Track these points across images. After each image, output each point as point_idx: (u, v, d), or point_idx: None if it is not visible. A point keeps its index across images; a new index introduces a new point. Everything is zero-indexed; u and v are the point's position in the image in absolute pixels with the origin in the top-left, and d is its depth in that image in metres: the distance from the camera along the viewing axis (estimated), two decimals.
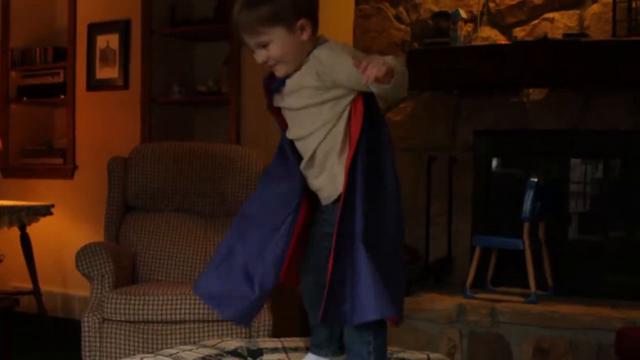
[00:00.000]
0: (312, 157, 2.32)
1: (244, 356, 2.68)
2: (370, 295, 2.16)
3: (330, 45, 2.28)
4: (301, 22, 2.24)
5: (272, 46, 2.26)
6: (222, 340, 2.81)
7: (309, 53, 2.27)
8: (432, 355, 2.69)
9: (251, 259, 2.34)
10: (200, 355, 2.60)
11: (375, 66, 2.08)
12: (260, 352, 2.71)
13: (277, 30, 2.24)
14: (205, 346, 2.74)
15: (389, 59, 2.11)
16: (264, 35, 2.25)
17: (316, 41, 2.29)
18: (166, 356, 2.58)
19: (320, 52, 2.26)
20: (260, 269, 2.31)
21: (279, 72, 2.32)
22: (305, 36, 2.26)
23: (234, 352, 2.68)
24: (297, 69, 2.29)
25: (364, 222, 2.19)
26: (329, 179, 2.31)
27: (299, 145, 2.36)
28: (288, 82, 2.31)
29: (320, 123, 2.28)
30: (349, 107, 2.26)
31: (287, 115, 2.37)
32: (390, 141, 2.39)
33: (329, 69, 2.22)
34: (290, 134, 2.37)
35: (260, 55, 2.30)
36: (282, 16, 2.23)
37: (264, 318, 3.93)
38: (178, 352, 2.62)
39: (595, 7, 4.34)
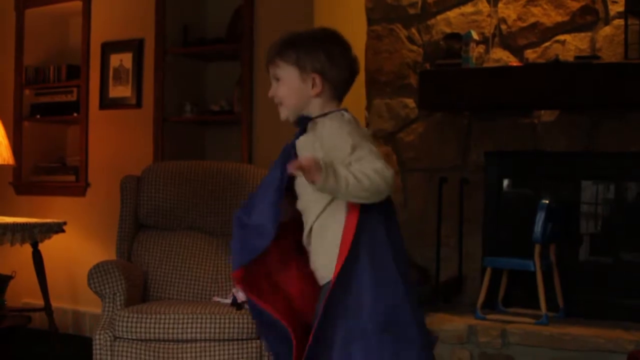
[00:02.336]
0: (310, 232, 2.34)
1: None
2: None
3: (342, 123, 2.29)
4: (314, 76, 2.28)
5: (281, 82, 2.33)
6: None
7: (317, 117, 2.30)
8: None
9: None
10: None
11: (303, 164, 2.14)
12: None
13: (290, 70, 2.31)
14: None
15: (336, 170, 2.16)
16: (279, 68, 2.33)
17: (330, 109, 2.32)
18: None
19: (324, 126, 2.29)
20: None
21: (281, 114, 2.38)
22: (314, 92, 2.30)
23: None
24: (304, 130, 2.34)
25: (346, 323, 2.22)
26: (323, 261, 2.33)
27: (303, 217, 2.39)
28: (297, 142, 2.35)
29: (318, 195, 2.29)
30: None
31: (297, 180, 2.39)
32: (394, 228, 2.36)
33: (329, 148, 2.26)
34: (298, 203, 2.40)
35: (271, 89, 2.37)
36: (299, 60, 2.29)
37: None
38: None
39: (607, 30, 4.35)
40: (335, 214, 2.27)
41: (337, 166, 2.16)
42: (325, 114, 2.31)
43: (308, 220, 2.34)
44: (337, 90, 2.34)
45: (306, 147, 2.30)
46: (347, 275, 2.19)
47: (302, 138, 2.34)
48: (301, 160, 2.15)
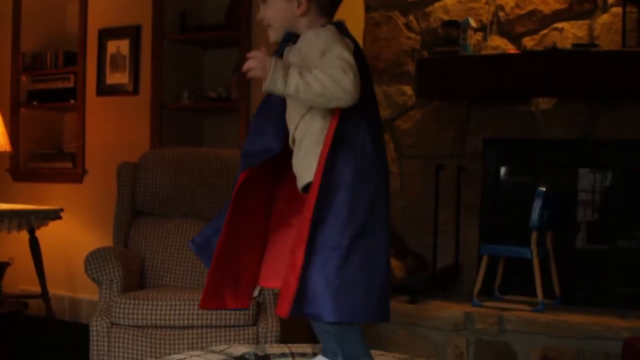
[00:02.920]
0: (294, 137, 2.34)
1: None
2: (327, 298, 2.17)
3: (320, 31, 2.27)
4: None
5: (267, 4, 2.36)
6: (230, 346, 2.82)
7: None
8: None
9: None
10: None
11: (252, 63, 2.15)
12: (267, 357, 2.72)
13: None
14: (212, 352, 2.75)
15: (279, 66, 2.14)
16: None
17: (320, 24, 2.31)
18: None
19: (307, 34, 2.28)
20: None
21: (270, 36, 2.40)
22: (299, 11, 2.30)
23: (241, 358, 2.69)
24: (293, 43, 2.33)
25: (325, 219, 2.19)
26: (303, 166, 2.32)
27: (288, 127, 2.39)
28: (284, 52, 2.35)
29: (295, 103, 2.30)
30: None
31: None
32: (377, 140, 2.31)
33: (304, 55, 2.25)
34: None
35: (260, 12, 2.39)
36: None
37: (271, 324, 3.95)
38: (186, 358, 2.63)
39: (605, 17, 4.35)
40: (312, 122, 2.26)
41: (292, 69, 2.14)
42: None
43: (290, 129, 2.34)
44: (324, 7, 2.32)
45: (294, 53, 2.31)
46: (326, 186, 2.20)
47: (289, 47, 2.34)
48: (252, 57, 2.16)
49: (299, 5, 2.29)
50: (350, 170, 2.20)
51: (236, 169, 4.58)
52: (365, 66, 2.33)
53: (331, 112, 2.22)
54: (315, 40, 2.23)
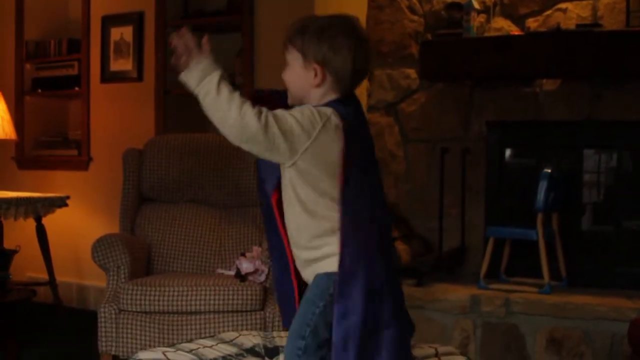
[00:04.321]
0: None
1: (262, 355, 2.71)
2: None
3: (308, 107, 2.24)
4: (315, 66, 2.27)
5: (288, 67, 2.33)
6: (240, 335, 2.84)
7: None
8: (440, 349, 2.70)
9: None
10: (221, 354, 2.63)
11: (183, 44, 2.16)
12: (276, 350, 2.74)
13: (296, 56, 2.30)
14: (223, 341, 2.77)
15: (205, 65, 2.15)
16: (288, 53, 2.33)
17: (329, 99, 2.30)
18: (186, 351, 2.61)
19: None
20: None
21: (288, 98, 2.37)
22: (314, 82, 2.28)
23: (252, 351, 2.71)
24: None
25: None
26: (302, 254, 2.33)
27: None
28: None
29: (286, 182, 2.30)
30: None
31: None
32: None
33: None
34: None
35: (283, 72, 2.37)
36: (304, 48, 2.28)
37: (278, 310, 3.96)
38: (198, 348, 2.65)
39: None
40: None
41: (215, 75, 2.15)
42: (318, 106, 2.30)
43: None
44: (341, 83, 2.30)
45: None
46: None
47: None
48: (183, 35, 2.16)
49: (315, 76, 2.28)
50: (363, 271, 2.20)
51: (241, 154, 4.60)
52: (365, 134, 2.35)
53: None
54: (293, 110, 2.23)
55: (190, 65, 2.15)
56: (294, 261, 2.38)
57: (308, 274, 2.31)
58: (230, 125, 2.13)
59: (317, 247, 2.25)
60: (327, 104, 2.27)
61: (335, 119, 2.21)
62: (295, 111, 2.20)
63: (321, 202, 2.22)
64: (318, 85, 2.28)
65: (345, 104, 2.30)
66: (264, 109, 2.14)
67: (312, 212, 2.23)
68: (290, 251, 2.37)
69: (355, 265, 2.17)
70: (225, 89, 2.14)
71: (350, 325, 2.15)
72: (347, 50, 2.27)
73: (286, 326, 2.39)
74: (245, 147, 2.16)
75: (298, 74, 2.31)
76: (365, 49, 2.33)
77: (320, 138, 2.18)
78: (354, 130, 2.26)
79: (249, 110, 2.11)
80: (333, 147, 2.20)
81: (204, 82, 2.15)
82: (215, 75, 2.15)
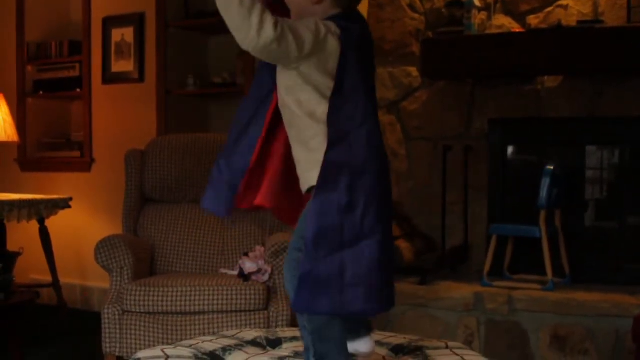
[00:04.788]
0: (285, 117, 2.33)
1: (263, 345, 2.70)
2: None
3: (310, 18, 2.24)
4: None
5: None
6: (241, 331, 2.84)
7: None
8: (450, 344, 2.70)
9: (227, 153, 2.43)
10: (220, 346, 2.62)
11: None
12: (279, 341, 2.73)
13: None
14: (224, 336, 2.76)
15: None
16: None
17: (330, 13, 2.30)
18: (186, 347, 2.60)
19: None
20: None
21: (291, 16, 2.35)
22: (313, 0, 2.28)
23: (253, 342, 2.70)
24: None
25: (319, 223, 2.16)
26: (302, 156, 2.29)
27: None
28: None
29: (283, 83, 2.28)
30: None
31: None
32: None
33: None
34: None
35: None
36: None
37: (282, 307, 3.95)
38: (198, 343, 2.65)
39: None
40: (302, 104, 2.24)
41: None
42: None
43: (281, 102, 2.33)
44: (340, 0, 2.30)
45: None
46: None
47: None
48: None
49: None
50: (347, 172, 2.17)
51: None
52: (367, 54, 2.32)
53: (324, 98, 2.20)
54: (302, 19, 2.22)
55: None
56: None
57: (303, 182, 2.29)
58: (247, 32, 2.08)
59: (314, 149, 2.22)
60: (329, 18, 2.27)
61: (336, 30, 2.22)
62: (303, 21, 2.20)
63: (323, 103, 2.20)
64: (318, 2, 2.29)
65: (348, 19, 2.29)
66: (280, 19, 2.11)
67: (311, 114, 2.21)
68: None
69: (339, 169, 2.16)
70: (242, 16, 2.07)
71: (325, 226, 2.13)
72: None
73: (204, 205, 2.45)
74: (256, 54, 2.13)
75: None
76: None
77: (325, 45, 2.19)
78: (353, 42, 2.25)
79: (268, 19, 2.07)
80: (334, 56, 2.20)
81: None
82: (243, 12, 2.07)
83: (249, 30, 2.07)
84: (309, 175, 2.24)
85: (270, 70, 2.33)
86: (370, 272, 2.15)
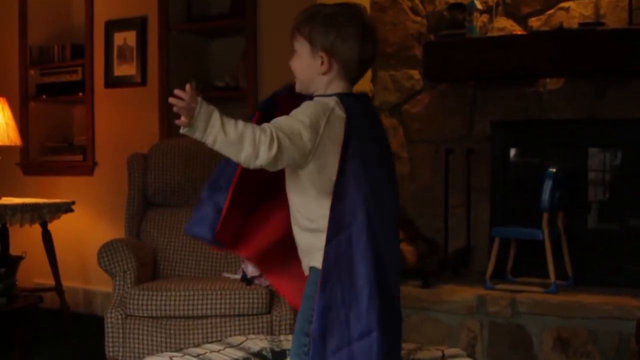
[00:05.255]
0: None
1: (269, 359, 2.71)
2: None
3: (311, 104, 2.25)
4: (322, 54, 2.28)
5: (296, 55, 2.35)
6: (247, 339, 2.84)
7: (316, 97, 2.31)
8: (447, 351, 2.70)
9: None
10: (228, 358, 2.63)
11: (178, 101, 2.13)
12: (284, 353, 2.74)
13: (304, 44, 2.31)
14: (231, 346, 2.77)
15: (213, 122, 2.13)
16: (296, 41, 2.34)
17: (334, 89, 2.30)
18: (194, 356, 2.61)
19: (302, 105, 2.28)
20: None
21: (296, 86, 2.39)
22: (321, 70, 2.29)
23: (259, 354, 2.71)
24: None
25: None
26: (302, 238, 2.33)
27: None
28: None
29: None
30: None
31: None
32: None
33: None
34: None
35: (290, 60, 2.37)
36: (312, 36, 2.29)
37: (284, 311, 3.96)
38: (206, 353, 2.65)
39: None
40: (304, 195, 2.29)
41: (215, 117, 2.13)
42: (323, 95, 2.31)
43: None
44: (347, 71, 2.31)
45: None
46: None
47: None
48: (181, 94, 2.14)
49: (322, 64, 2.29)
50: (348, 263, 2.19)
51: None
52: (370, 130, 2.32)
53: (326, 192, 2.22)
54: (298, 110, 2.23)
55: (190, 120, 2.13)
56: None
57: (305, 264, 2.33)
58: (246, 158, 2.14)
59: (313, 230, 2.25)
60: (333, 95, 2.29)
61: (338, 111, 2.24)
62: (301, 111, 2.21)
63: (327, 182, 2.22)
64: (325, 73, 2.30)
65: (351, 96, 2.32)
66: (271, 130, 2.13)
67: (310, 194, 2.24)
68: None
69: (338, 263, 2.16)
70: (230, 129, 2.13)
71: (330, 321, 2.15)
72: (354, 39, 2.29)
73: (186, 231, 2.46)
74: (268, 169, 2.17)
75: (305, 62, 2.32)
76: (373, 38, 2.35)
77: (327, 130, 2.20)
78: (357, 123, 2.26)
79: (262, 141, 2.11)
80: (338, 135, 2.21)
81: (208, 130, 2.13)
82: (215, 119, 2.13)
83: (248, 158, 2.13)
84: (309, 257, 2.28)
85: None
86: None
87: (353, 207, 2.19)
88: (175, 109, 2.13)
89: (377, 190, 2.25)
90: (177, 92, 2.13)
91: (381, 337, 2.13)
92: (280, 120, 2.18)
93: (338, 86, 2.31)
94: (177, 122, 2.17)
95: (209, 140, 2.14)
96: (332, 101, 2.26)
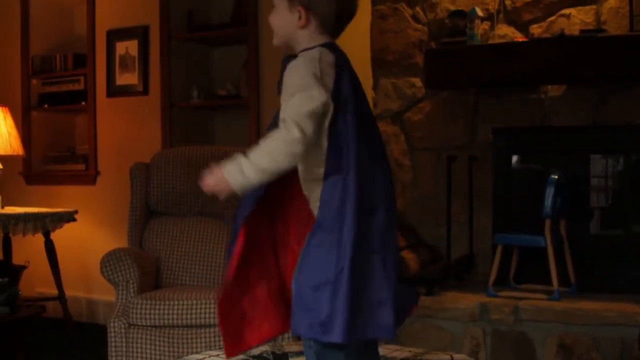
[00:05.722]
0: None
1: None
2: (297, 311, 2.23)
3: (299, 63, 2.27)
4: (299, 8, 2.30)
5: (274, 10, 2.37)
6: None
7: (300, 51, 2.32)
8: (455, 356, 2.70)
9: None
10: None
11: (211, 183, 2.24)
12: (285, 356, 2.73)
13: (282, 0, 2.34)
14: None
15: (231, 170, 2.19)
16: None
17: (316, 42, 2.31)
18: None
19: (290, 65, 2.28)
20: None
21: (273, 40, 2.42)
22: (299, 24, 2.31)
23: (260, 357, 2.70)
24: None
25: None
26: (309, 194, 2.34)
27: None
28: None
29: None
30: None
31: None
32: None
33: (284, 86, 2.27)
34: None
35: (269, 16, 2.40)
36: None
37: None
38: (205, 358, 2.65)
39: (611, 2, 4.34)
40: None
41: (242, 162, 2.18)
42: (306, 49, 2.32)
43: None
44: (326, 26, 2.32)
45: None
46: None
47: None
48: (206, 183, 2.25)
49: (300, 18, 2.30)
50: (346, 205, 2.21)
51: None
52: (352, 78, 2.33)
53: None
54: (291, 77, 2.24)
55: (230, 182, 2.20)
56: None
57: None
58: (291, 156, 2.17)
59: (310, 189, 2.30)
60: (316, 46, 2.30)
61: (325, 56, 2.26)
62: (294, 78, 2.23)
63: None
64: (303, 27, 2.31)
65: (333, 49, 2.32)
66: (285, 124, 2.15)
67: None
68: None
69: (332, 220, 2.20)
70: (258, 159, 2.17)
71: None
72: None
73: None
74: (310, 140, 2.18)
75: (283, 16, 2.34)
76: None
77: (324, 77, 2.23)
78: (346, 67, 2.30)
79: (288, 141, 2.15)
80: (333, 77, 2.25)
81: (247, 176, 2.18)
82: (244, 164, 2.18)
83: (292, 154, 2.16)
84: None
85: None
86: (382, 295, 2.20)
87: (346, 159, 2.23)
88: (212, 191, 2.25)
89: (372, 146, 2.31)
90: (204, 181, 2.25)
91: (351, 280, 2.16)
92: (287, 108, 2.18)
93: (320, 39, 2.32)
94: (220, 198, 2.27)
95: (252, 178, 2.18)
96: (316, 51, 2.27)
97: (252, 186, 2.19)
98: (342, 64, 2.29)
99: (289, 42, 2.37)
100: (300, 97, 2.17)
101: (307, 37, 2.32)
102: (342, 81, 2.24)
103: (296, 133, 2.12)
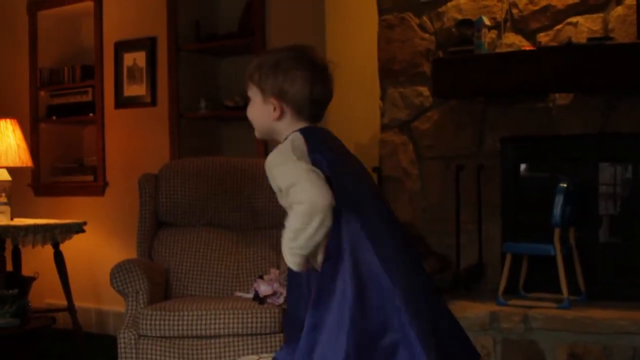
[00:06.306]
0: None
1: None
2: None
3: (273, 162, 2.25)
4: (272, 100, 2.29)
5: (250, 103, 2.37)
6: (260, 357, 2.84)
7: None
8: None
9: None
10: None
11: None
12: None
13: (256, 92, 2.34)
14: None
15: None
16: (249, 89, 2.37)
17: (296, 129, 2.31)
18: None
19: (266, 165, 2.27)
20: None
21: (255, 133, 2.41)
22: (275, 116, 2.30)
23: None
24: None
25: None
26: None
27: None
28: None
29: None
30: None
31: None
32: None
33: (276, 189, 2.27)
34: None
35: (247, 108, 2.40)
36: (261, 83, 2.31)
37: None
38: None
39: (619, 10, 4.33)
40: None
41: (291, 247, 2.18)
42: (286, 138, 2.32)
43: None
44: (302, 112, 2.31)
45: None
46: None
47: None
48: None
49: (274, 110, 2.31)
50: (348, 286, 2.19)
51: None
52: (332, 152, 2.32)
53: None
54: (274, 178, 2.23)
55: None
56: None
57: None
58: (313, 232, 2.15)
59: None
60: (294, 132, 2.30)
61: (298, 142, 2.25)
62: (277, 163, 2.22)
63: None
64: (278, 119, 2.30)
65: (309, 132, 2.31)
66: (293, 209, 2.16)
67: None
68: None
69: (331, 282, 2.18)
70: (291, 239, 2.17)
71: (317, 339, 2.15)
72: (303, 80, 2.29)
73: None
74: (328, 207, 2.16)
75: (259, 109, 2.34)
76: (322, 77, 2.34)
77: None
78: (316, 138, 2.29)
79: (299, 217, 2.15)
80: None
81: (295, 257, 2.19)
82: (288, 254, 2.20)
83: (314, 231, 2.14)
84: None
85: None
86: None
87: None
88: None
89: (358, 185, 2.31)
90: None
91: None
92: (290, 196, 2.18)
93: (298, 126, 2.31)
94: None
95: (290, 262, 2.21)
96: (288, 140, 2.27)
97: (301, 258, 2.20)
98: (317, 143, 2.27)
99: (269, 135, 2.37)
100: (288, 179, 2.17)
101: (285, 127, 2.32)
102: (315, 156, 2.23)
103: (301, 208, 2.15)
